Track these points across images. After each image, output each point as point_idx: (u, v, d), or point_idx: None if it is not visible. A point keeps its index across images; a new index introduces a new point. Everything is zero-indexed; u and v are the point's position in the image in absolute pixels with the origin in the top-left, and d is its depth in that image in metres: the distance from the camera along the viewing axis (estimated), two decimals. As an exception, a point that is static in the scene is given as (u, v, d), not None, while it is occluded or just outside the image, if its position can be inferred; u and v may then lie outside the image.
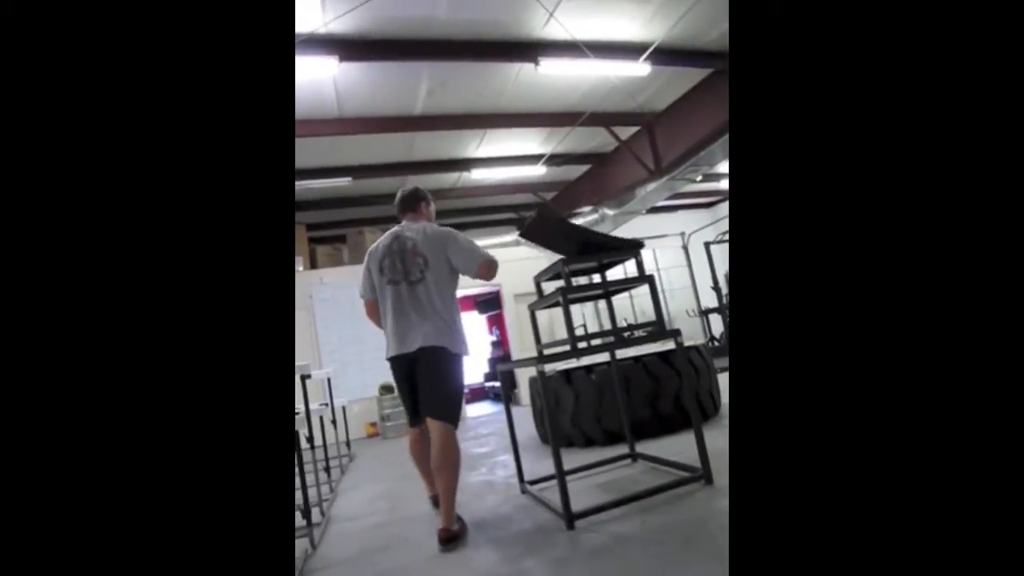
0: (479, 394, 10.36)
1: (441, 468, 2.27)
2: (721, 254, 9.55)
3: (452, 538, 2.20)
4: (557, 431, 2.14)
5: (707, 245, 9.41)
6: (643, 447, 3.34)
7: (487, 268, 2.41)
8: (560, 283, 2.37)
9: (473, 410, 8.28)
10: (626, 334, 2.59)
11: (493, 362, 10.43)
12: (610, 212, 7.76)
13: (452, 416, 2.33)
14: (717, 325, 9.84)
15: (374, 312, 2.54)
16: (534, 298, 2.74)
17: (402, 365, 2.38)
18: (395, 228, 2.57)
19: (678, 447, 3.19)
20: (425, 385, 2.32)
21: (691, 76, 5.81)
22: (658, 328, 2.39)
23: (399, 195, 2.67)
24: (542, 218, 2.26)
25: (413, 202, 2.65)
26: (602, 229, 8.07)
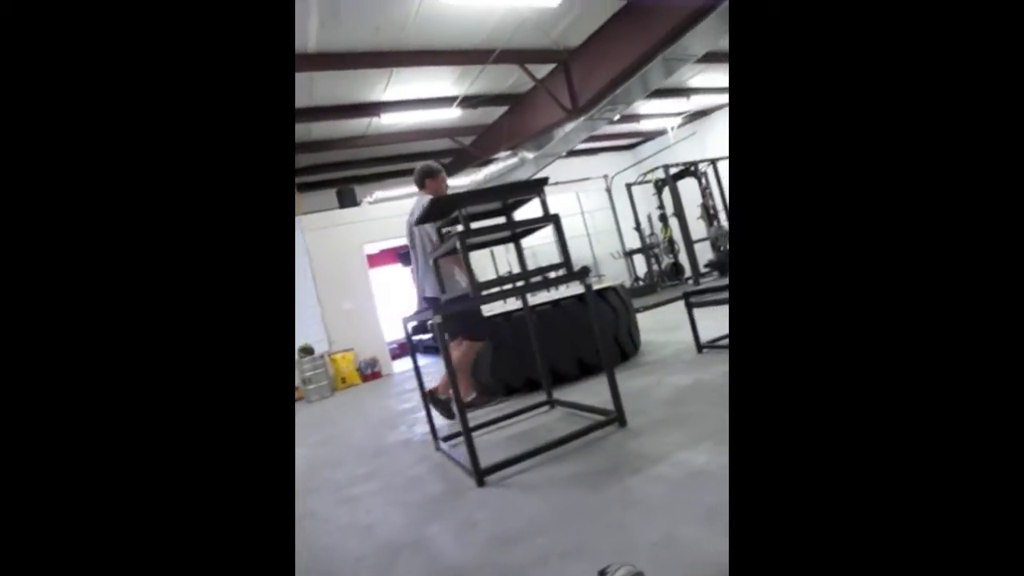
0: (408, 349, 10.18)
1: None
2: (642, 194, 9.62)
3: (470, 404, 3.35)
4: (456, 384, 2.00)
5: (628, 187, 9.42)
6: (565, 392, 3.29)
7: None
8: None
9: (400, 365, 8.10)
10: (533, 278, 2.45)
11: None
12: (530, 155, 7.56)
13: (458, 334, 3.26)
14: (641, 265, 10.01)
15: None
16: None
17: (429, 303, 3.13)
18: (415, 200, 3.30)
19: (598, 390, 3.16)
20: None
21: (604, 9, 5.57)
22: (565, 270, 2.27)
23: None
24: (432, 203, 2.14)
25: (419, 180, 3.24)
26: (522, 173, 7.87)
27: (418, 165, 3.28)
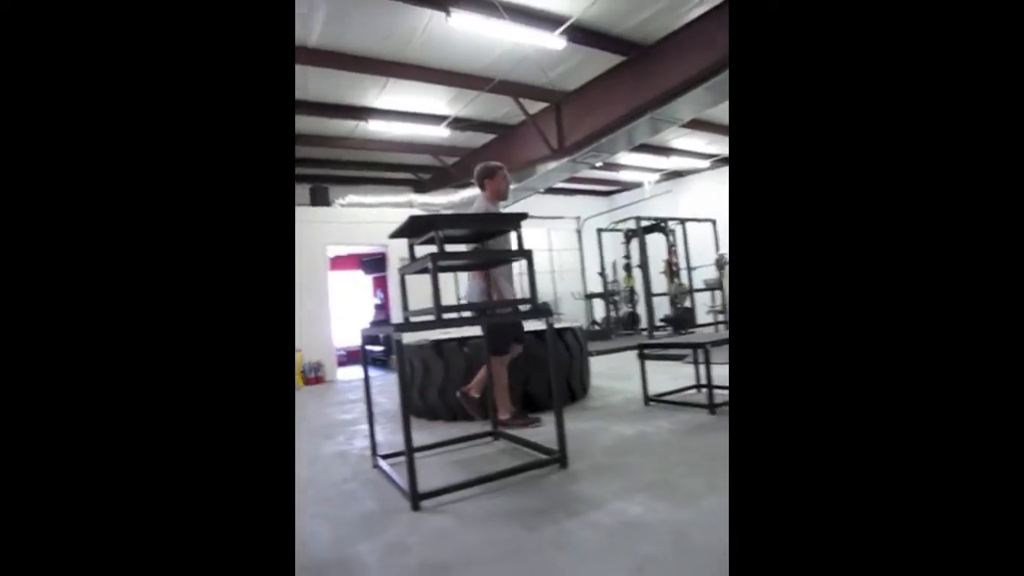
0: (357, 357, 9.94)
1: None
2: (611, 241, 9.84)
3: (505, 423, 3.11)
4: (408, 404, 1.99)
5: (599, 231, 9.63)
6: (510, 424, 3.28)
7: None
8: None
9: (345, 373, 7.92)
10: (499, 310, 2.47)
11: (373, 325, 10.05)
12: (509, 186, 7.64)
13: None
14: (599, 310, 10.17)
15: None
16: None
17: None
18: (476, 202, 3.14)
19: (543, 427, 3.17)
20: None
21: (603, 61, 5.78)
22: (530, 305, 2.30)
23: None
24: (411, 220, 2.12)
25: (479, 180, 3.06)
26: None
27: (477, 165, 3.08)
